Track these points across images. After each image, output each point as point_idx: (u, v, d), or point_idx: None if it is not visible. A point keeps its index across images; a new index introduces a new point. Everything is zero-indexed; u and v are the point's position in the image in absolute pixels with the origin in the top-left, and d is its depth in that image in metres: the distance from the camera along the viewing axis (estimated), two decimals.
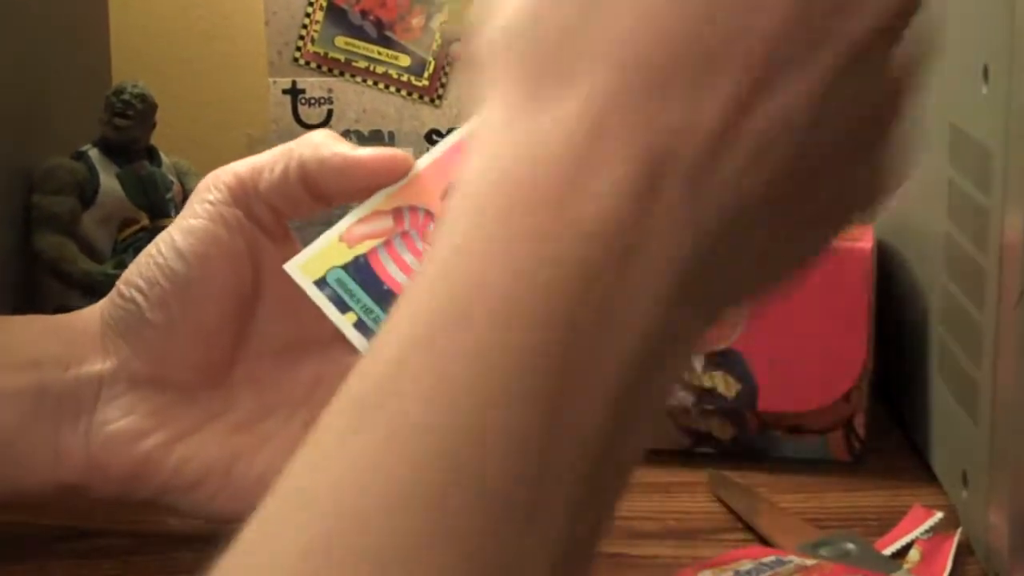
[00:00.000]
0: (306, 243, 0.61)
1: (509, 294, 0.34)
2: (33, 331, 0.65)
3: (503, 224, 0.34)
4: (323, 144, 0.61)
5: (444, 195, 0.58)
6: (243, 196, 0.62)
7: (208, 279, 0.62)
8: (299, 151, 0.62)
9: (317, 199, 0.62)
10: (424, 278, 0.35)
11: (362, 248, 0.60)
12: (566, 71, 0.35)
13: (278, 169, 0.62)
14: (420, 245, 0.60)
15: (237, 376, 0.64)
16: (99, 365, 0.63)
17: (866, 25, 0.36)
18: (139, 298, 0.62)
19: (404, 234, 0.60)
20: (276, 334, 0.65)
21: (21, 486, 0.63)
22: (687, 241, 0.35)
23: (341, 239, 0.60)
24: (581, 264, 0.34)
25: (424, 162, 0.60)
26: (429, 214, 0.60)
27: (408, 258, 0.60)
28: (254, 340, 0.64)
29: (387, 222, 0.60)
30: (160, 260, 0.62)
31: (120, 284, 0.63)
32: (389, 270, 0.60)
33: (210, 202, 0.62)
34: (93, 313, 0.64)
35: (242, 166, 0.63)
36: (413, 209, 0.60)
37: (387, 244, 0.60)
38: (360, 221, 0.60)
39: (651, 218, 0.34)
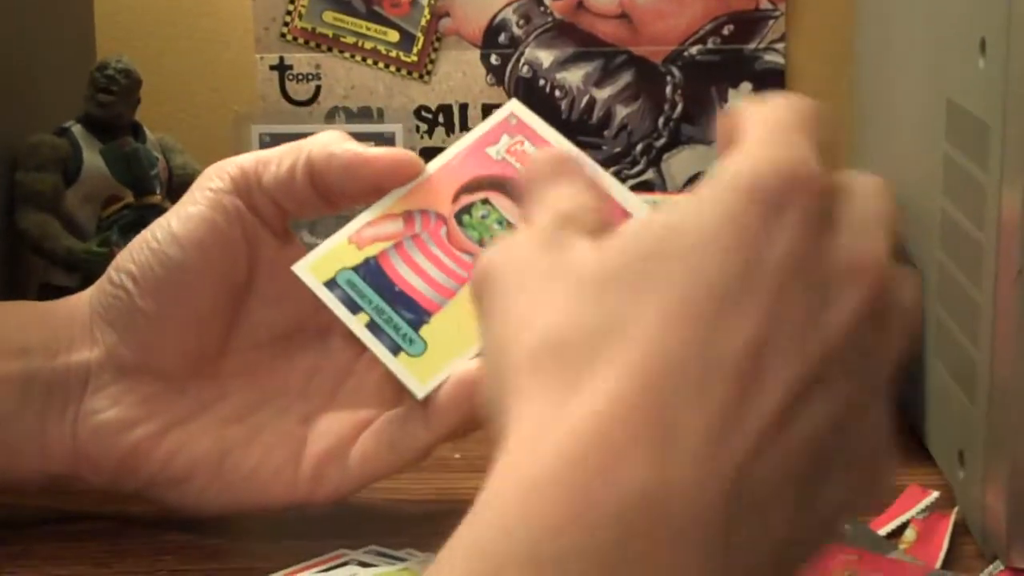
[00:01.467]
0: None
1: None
2: (21, 317, 0.64)
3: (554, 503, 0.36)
4: (332, 142, 0.61)
5: (455, 198, 0.57)
6: (246, 187, 0.62)
7: (202, 267, 0.61)
8: (308, 147, 0.61)
9: (322, 198, 0.62)
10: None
11: (372, 250, 0.60)
12: (587, 381, 0.38)
13: (285, 164, 0.61)
14: (431, 248, 0.59)
15: (230, 367, 0.63)
16: (87, 353, 0.62)
17: (846, 314, 0.39)
18: (129, 285, 0.61)
19: (415, 236, 0.60)
20: (271, 325, 0.64)
21: (8, 475, 0.63)
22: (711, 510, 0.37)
23: (351, 240, 0.60)
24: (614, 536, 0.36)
25: (435, 166, 0.60)
26: (440, 217, 0.60)
27: (419, 260, 0.59)
28: (248, 331, 0.64)
29: (397, 225, 0.60)
30: (154, 245, 0.61)
31: (111, 270, 0.62)
32: (400, 272, 0.60)
33: (211, 190, 0.61)
34: (82, 299, 0.63)
35: (248, 158, 0.62)
36: (424, 212, 0.60)
37: (398, 246, 0.60)
38: (370, 223, 0.60)
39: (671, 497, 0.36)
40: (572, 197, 0.45)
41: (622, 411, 0.37)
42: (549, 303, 0.40)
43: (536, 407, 0.38)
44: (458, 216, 0.60)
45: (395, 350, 0.58)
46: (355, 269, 0.60)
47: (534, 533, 0.35)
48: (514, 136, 0.58)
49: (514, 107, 0.60)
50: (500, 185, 0.58)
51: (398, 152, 0.61)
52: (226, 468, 0.61)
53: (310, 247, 0.61)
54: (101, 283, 0.63)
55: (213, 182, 0.62)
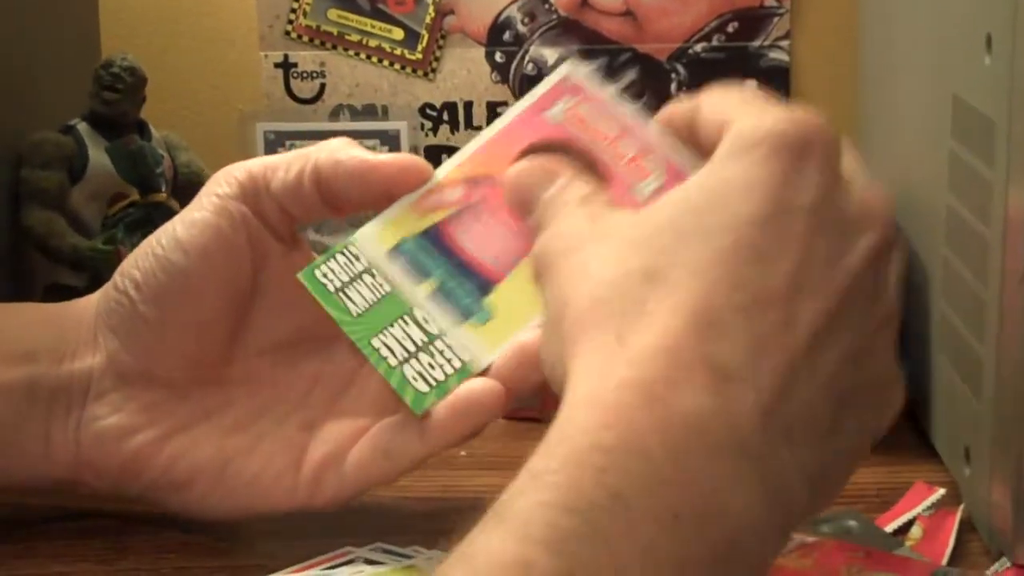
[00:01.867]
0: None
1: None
2: (26, 321, 0.64)
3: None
4: (339, 149, 0.61)
5: (514, 162, 0.57)
6: (253, 193, 0.61)
7: (206, 274, 0.61)
8: (316, 154, 0.61)
9: (329, 204, 0.61)
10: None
11: (435, 217, 0.59)
12: (642, 321, 0.42)
13: (293, 170, 0.61)
14: (492, 216, 0.59)
15: (233, 374, 0.63)
16: (90, 359, 0.62)
17: (861, 256, 0.44)
18: (132, 291, 0.61)
19: (475, 204, 0.59)
20: (273, 333, 0.64)
21: (11, 479, 0.63)
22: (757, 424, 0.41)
23: (412, 209, 0.59)
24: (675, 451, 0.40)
25: (492, 131, 0.60)
26: (499, 184, 0.59)
27: (479, 228, 0.59)
28: (251, 338, 0.64)
29: (458, 192, 0.59)
30: (159, 251, 0.61)
31: (116, 275, 0.62)
32: (462, 240, 0.59)
33: (218, 195, 0.61)
34: (89, 303, 0.63)
35: (256, 163, 0.62)
36: (484, 178, 0.59)
37: (459, 214, 0.59)
38: (431, 191, 0.60)
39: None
40: (581, 185, 0.50)
41: (673, 344, 0.41)
42: (602, 259, 0.45)
43: (599, 347, 0.42)
44: None
45: (466, 315, 0.58)
46: (419, 236, 0.59)
47: (590, 445, 0.39)
48: (571, 98, 0.58)
49: (570, 69, 0.59)
50: (559, 149, 0.57)
51: (405, 158, 0.60)
52: (228, 474, 0.61)
53: (316, 245, 0.61)
54: (106, 288, 0.62)
55: (221, 187, 0.61)
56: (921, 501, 0.64)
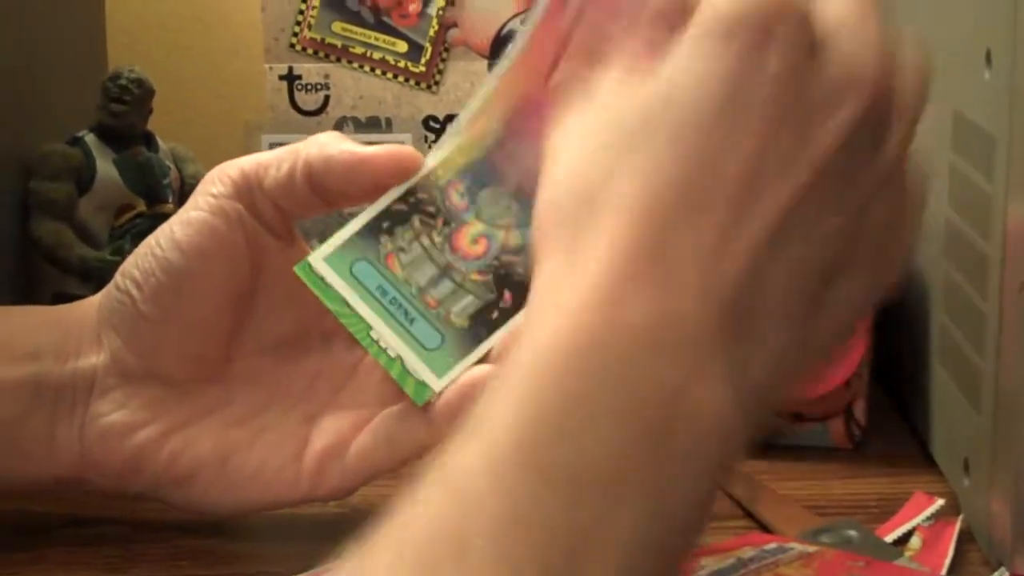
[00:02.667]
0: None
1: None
2: (31, 322, 0.65)
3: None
4: (329, 143, 0.61)
5: (548, 75, 0.57)
6: (247, 191, 0.62)
7: (204, 272, 0.61)
8: (305, 150, 0.61)
9: (322, 198, 0.62)
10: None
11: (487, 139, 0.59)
12: (592, 230, 0.41)
13: (284, 167, 0.61)
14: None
15: (233, 370, 0.64)
16: (93, 358, 0.62)
17: (834, 133, 0.41)
18: (133, 290, 0.61)
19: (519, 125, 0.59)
20: (274, 329, 0.64)
21: (17, 478, 0.63)
22: (714, 331, 0.40)
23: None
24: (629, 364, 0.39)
25: (513, 54, 0.58)
26: (539, 105, 0.58)
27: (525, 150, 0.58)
28: (252, 335, 0.64)
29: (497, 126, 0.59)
30: (158, 252, 0.61)
31: (117, 275, 0.63)
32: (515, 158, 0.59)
33: (212, 195, 0.62)
34: (91, 304, 0.64)
35: (247, 161, 0.62)
36: (522, 105, 0.59)
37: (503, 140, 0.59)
38: (474, 117, 0.59)
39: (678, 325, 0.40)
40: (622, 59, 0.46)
41: (622, 254, 0.40)
42: (573, 148, 0.44)
43: (553, 256, 0.42)
44: None
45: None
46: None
47: (550, 351, 0.39)
48: None
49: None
50: (587, 53, 0.56)
51: (395, 148, 0.60)
52: (230, 469, 0.62)
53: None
54: (108, 288, 0.63)
55: (215, 187, 0.62)
56: (920, 511, 0.65)
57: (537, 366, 0.39)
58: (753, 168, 0.41)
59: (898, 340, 0.78)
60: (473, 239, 0.59)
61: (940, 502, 0.65)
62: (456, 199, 0.59)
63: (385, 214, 0.60)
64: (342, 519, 0.63)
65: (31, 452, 0.62)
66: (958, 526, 0.63)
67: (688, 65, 0.42)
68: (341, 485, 0.62)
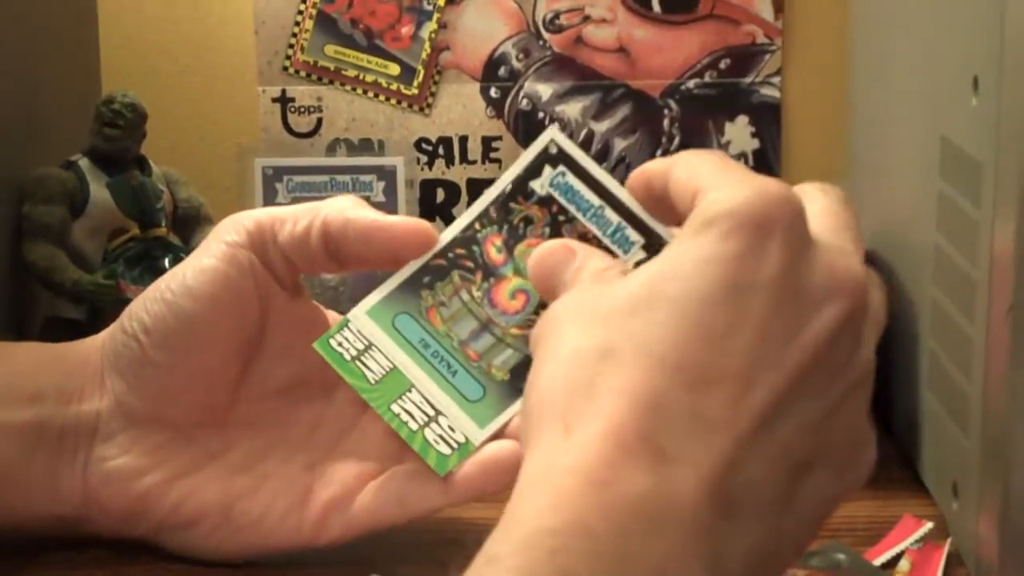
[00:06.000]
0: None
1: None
2: (33, 361, 0.64)
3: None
4: (349, 207, 0.62)
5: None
6: (260, 242, 0.62)
7: (214, 320, 0.61)
8: (325, 210, 0.62)
9: (334, 260, 0.62)
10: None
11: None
12: (590, 406, 0.42)
13: (301, 224, 0.62)
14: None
15: (237, 416, 0.64)
16: (97, 401, 0.63)
17: (824, 328, 0.43)
18: (141, 335, 0.62)
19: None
20: (278, 376, 0.65)
21: (18, 518, 0.63)
22: (702, 491, 0.41)
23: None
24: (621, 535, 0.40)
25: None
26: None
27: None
28: (256, 382, 0.64)
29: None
30: (168, 296, 0.61)
31: (124, 318, 0.63)
32: None
33: (227, 243, 0.62)
34: (95, 343, 0.64)
35: (264, 213, 0.63)
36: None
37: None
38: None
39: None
40: (598, 260, 0.50)
41: (616, 428, 0.41)
42: (569, 336, 0.45)
43: (547, 433, 0.43)
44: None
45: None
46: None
47: (540, 528, 0.40)
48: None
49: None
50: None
51: (412, 222, 0.61)
52: (234, 514, 0.62)
53: (309, 280, 0.62)
54: (113, 330, 0.63)
55: (229, 235, 0.62)
56: (909, 535, 0.65)
57: (528, 539, 0.40)
58: (752, 350, 0.42)
59: (887, 364, 0.78)
60: (512, 294, 0.60)
61: (929, 525, 0.66)
62: (494, 253, 0.60)
63: (425, 269, 0.60)
64: (337, 547, 0.63)
65: (33, 493, 0.62)
66: (947, 549, 0.64)
67: (695, 248, 0.43)
68: (344, 536, 0.62)
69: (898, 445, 0.77)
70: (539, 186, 0.58)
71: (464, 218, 0.60)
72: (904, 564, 0.63)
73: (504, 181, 0.59)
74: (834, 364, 0.44)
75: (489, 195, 0.59)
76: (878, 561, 0.63)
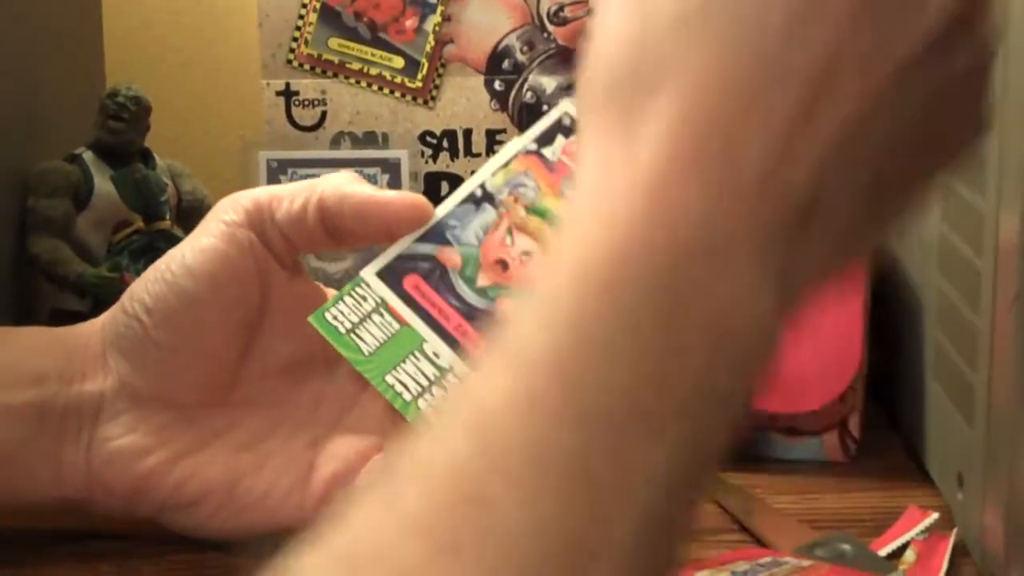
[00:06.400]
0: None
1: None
2: (37, 344, 0.65)
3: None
4: (345, 183, 0.62)
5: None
6: (259, 221, 0.62)
7: (215, 299, 0.62)
8: (321, 187, 0.62)
9: (331, 236, 0.62)
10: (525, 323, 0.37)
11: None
12: (650, 109, 0.38)
13: (298, 201, 0.62)
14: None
15: (240, 395, 0.64)
16: (100, 382, 0.63)
17: (924, 28, 0.38)
18: (143, 316, 0.62)
19: None
20: (280, 354, 0.65)
21: (22, 499, 0.63)
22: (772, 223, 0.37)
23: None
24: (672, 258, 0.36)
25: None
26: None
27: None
28: (258, 360, 0.64)
29: None
30: (169, 277, 0.61)
31: (125, 299, 0.63)
32: None
33: (225, 223, 0.62)
34: (95, 326, 0.64)
35: (262, 192, 0.63)
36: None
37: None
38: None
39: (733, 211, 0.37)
40: None
41: (683, 138, 0.37)
42: (616, 26, 0.40)
43: (605, 135, 0.39)
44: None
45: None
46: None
47: (594, 259, 0.36)
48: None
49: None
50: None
51: (409, 197, 0.61)
52: (238, 493, 0.62)
53: (316, 272, 0.62)
54: (115, 312, 0.63)
55: (227, 215, 0.62)
56: (915, 525, 0.65)
57: (582, 271, 0.36)
58: (831, 58, 0.37)
59: (892, 355, 0.78)
60: None
61: (934, 516, 0.66)
62: None
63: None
64: None
65: (37, 474, 0.62)
66: (952, 540, 0.64)
67: None
68: None
69: (904, 436, 0.77)
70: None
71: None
72: (910, 554, 0.63)
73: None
74: (935, 61, 0.39)
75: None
76: (883, 552, 0.63)
